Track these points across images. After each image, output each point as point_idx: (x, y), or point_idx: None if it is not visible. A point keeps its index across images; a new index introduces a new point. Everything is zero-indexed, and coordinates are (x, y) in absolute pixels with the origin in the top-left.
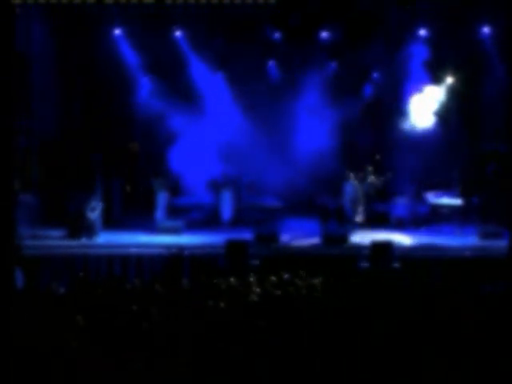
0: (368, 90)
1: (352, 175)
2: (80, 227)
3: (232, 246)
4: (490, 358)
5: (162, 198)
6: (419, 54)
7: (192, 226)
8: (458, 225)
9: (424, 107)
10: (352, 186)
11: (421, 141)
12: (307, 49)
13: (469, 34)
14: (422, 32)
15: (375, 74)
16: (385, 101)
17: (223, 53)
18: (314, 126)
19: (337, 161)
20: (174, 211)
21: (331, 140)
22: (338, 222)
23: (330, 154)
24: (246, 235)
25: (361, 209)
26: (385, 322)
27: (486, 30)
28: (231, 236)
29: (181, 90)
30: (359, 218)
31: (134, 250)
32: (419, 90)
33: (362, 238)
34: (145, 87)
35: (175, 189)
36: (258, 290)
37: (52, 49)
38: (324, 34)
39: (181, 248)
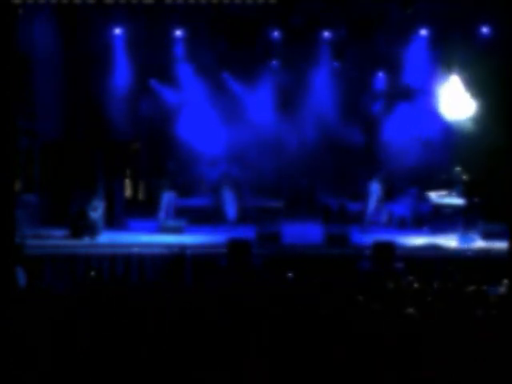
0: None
1: (378, 174)
2: (82, 227)
3: (234, 246)
4: (491, 358)
5: (167, 198)
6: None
7: (194, 226)
8: (460, 225)
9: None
10: (378, 185)
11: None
12: (309, 48)
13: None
14: (424, 32)
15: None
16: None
17: (224, 52)
18: (317, 125)
19: (343, 161)
20: (176, 211)
21: (337, 139)
22: (341, 221)
23: (338, 153)
24: (248, 235)
25: (384, 209)
26: (384, 321)
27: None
28: (233, 236)
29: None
30: (382, 219)
31: (136, 250)
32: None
33: (367, 238)
34: (147, 86)
35: (181, 188)
36: None
37: (55, 49)
38: (326, 34)
39: (183, 247)
